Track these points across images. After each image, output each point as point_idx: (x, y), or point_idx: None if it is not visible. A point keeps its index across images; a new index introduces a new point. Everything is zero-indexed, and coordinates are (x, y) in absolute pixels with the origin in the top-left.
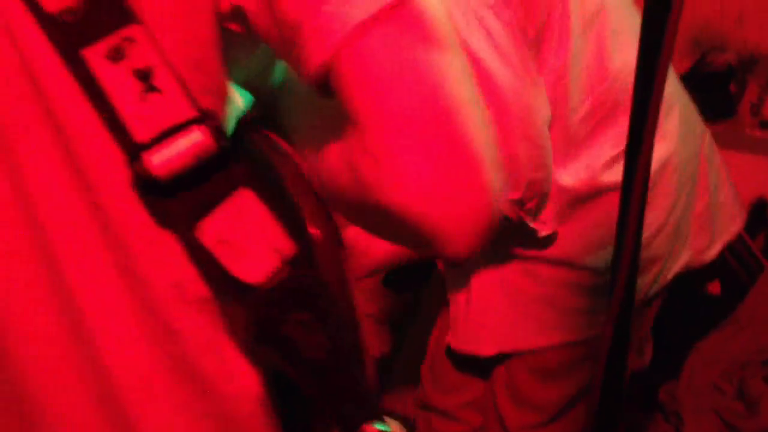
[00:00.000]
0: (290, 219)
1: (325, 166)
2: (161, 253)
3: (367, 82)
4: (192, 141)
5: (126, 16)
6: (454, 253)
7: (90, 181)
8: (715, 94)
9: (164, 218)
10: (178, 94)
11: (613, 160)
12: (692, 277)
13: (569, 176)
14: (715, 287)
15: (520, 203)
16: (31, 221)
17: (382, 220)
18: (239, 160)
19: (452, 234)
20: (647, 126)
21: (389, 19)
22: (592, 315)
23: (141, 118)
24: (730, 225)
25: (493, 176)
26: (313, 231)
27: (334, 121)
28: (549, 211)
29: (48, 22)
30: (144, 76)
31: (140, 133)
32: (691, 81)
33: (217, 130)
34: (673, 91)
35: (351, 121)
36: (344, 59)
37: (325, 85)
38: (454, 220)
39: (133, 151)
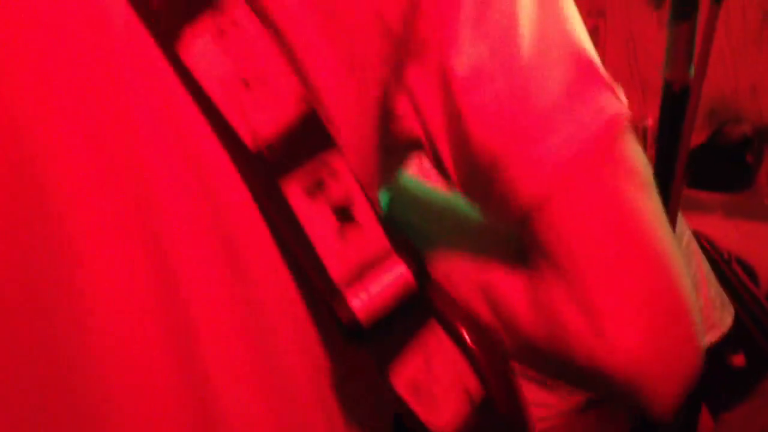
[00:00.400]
0: (465, 352)
1: (501, 305)
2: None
3: (580, 224)
4: (394, 277)
5: (326, 142)
6: (659, 408)
7: (269, 333)
8: (733, 165)
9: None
10: (375, 224)
11: None
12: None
13: None
14: (739, 359)
15: None
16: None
17: (575, 369)
18: (428, 292)
19: (662, 391)
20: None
21: (596, 151)
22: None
23: (340, 255)
24: (707, 333)
25: (701, 329)
26: (490, 365)
27: (511, 258)
28: None
29: (243, 157)
30: (343, 208)
31: (339, 273)
32: (707, 152)
33: (416, 263)
34: None
35: (552, 264)
36: (555, 196)
37: (520, 222)
38: (666, 378)
39: (334, 293)
